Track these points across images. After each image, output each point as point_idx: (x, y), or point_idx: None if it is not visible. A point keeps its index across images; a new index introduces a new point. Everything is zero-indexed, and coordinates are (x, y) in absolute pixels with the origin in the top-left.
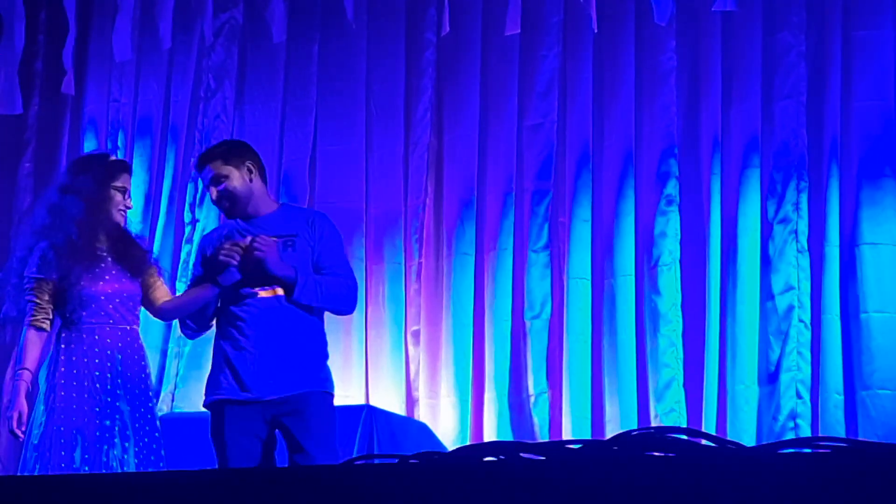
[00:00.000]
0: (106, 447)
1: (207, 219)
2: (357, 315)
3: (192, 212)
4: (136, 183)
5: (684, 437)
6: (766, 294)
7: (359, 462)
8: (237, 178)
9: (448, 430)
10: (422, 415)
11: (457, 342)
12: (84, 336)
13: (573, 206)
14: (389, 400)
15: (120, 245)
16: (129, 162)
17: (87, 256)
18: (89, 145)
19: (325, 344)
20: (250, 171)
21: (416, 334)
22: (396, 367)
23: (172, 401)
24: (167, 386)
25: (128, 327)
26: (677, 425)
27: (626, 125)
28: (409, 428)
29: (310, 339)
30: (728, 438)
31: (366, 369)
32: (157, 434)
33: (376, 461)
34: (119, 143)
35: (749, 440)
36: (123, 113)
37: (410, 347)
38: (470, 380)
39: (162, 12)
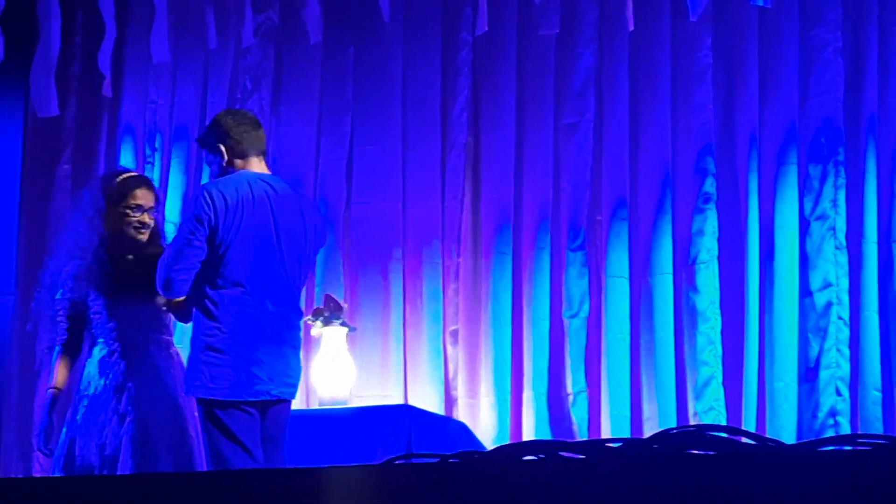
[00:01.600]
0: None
1: None
2: (395, 315)
3: None
4: (175, 184)
5: (724, 434)
6: (805, 291)
7: (399, 461)
8: None
9: (487, 430)
10: (460, 414)
11: (495, 341)
12: (115, 354)
13: (610, 205)
14: (428, 399)
15: (147, 260)
16: (145, 176)
17: (112, 275)
18: (127, 147)
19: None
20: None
21: (455, 334)
22: (435, 367)
23: None
24: None
25: (162, 339)
26: (717, 423)
27: (663, 123)
28: (448, 427)
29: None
30: (768, 436)
31: (404, 369)
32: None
33: (416, 461)
34: (156, 146)
35: (789, 438)
36: (160, 115)
37: (449, 347)
38: (508, 379)
39: (202, 14)
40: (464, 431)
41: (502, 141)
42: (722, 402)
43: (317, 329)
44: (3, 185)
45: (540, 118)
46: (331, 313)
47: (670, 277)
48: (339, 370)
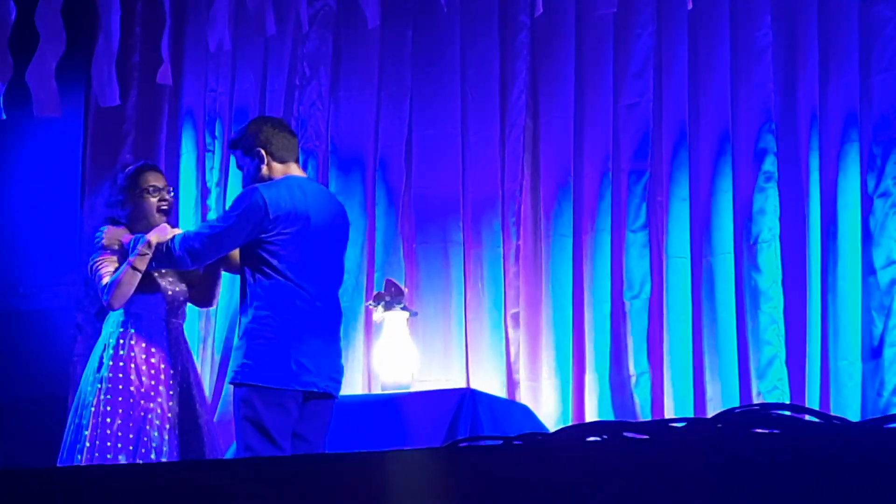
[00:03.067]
0: (145, 439)
1: None
2: (456, 299)
3: None
4: (235, 172)
5: (788, 413)
6: (868, 269)
7: (463, 444)
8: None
9: (550, 412)
10: (523, 397)
11: (556, 324)
12: (141, 333)
13: (671, 185)
14: (490, 383)
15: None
16: (151, 163)
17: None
18: (187, 136)
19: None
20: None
21: (516, 317)
22: (497, 351)
23: None
24: None
25: (178, 323)
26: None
27: (723, 102)
28: (511, 410)
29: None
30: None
31: (466, 353)
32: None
33: (480, 443)
34: (216, 133)
35: (853, 416)
36: (220, 103)
37: (510, 330)
38: (570, 361)
39: (260, 1)
40: (527, 414)
41: (561, 123)
42: (785, 381)
43: (378, 314)
44: (66, 175)
45: (599, 99)
46: (392, 298)
47: (731, 257)
48: (401, 355)
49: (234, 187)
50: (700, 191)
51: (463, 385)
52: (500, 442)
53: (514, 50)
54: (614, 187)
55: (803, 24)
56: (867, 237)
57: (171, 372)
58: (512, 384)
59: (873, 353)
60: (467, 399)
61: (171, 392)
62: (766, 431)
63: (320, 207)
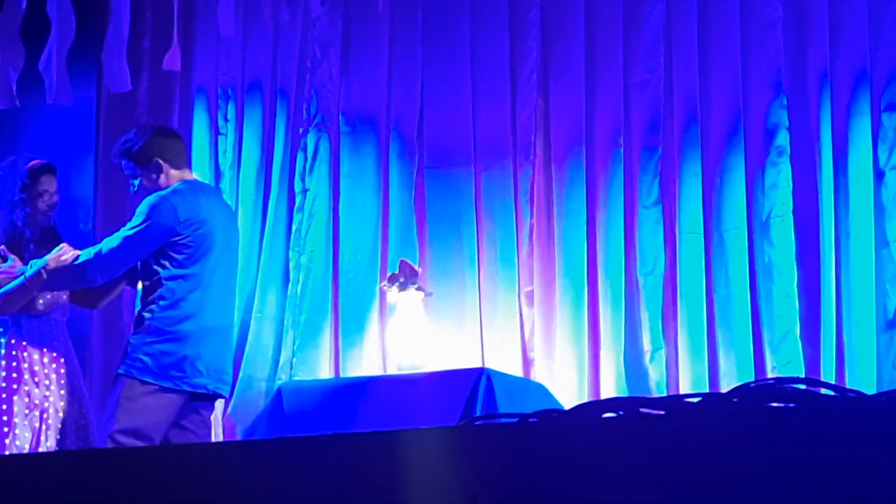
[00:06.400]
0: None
1: (318, 188)
2: (470, 279)
3: (303, 181)
4: (248, 155)
5: (804, 386)
6: (881, 241)
7: (479, 422)
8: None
9: (565, 390)
10: (538, 375)
11: (571, 301)
12: (21, 332)
13: (683, 161)
14: (505, 362)
15: (46, 238)
16: (51, 163)
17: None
18: (199, 119)
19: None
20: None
21: (530, 295)
22: (511, 329)
23: (291, 369)
24: (284, 355)
25: (61, 321)
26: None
27: (734, 77)
28: (527, 388)
29: None
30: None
31: (480, 332)
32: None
33: (497, 421)
34: (228, 116)
35: (868, 389)
36: (232, 86)
37: (524, 309)
38: (585, 338)
39: None
40: (542, 392)
41: (572, 101)
42: (800, 355)
43: (393, 295)
44: (79, 161)
45: (609, 77)
46: (406, 278)
47: (745, 232)
48: (415, 335)
49: (247, 171)
50: (712, 166)
51: (478, 364)
52: (516, 420)
53: (525, 28)
54: (626, 164)
55: None
56: (880, 210)
57: (55, 366)
58: (527, 362)
59: (888, 325)
60: (483, 378)
61: (52, 387)
62: (782, 405)
63: (217, 211)
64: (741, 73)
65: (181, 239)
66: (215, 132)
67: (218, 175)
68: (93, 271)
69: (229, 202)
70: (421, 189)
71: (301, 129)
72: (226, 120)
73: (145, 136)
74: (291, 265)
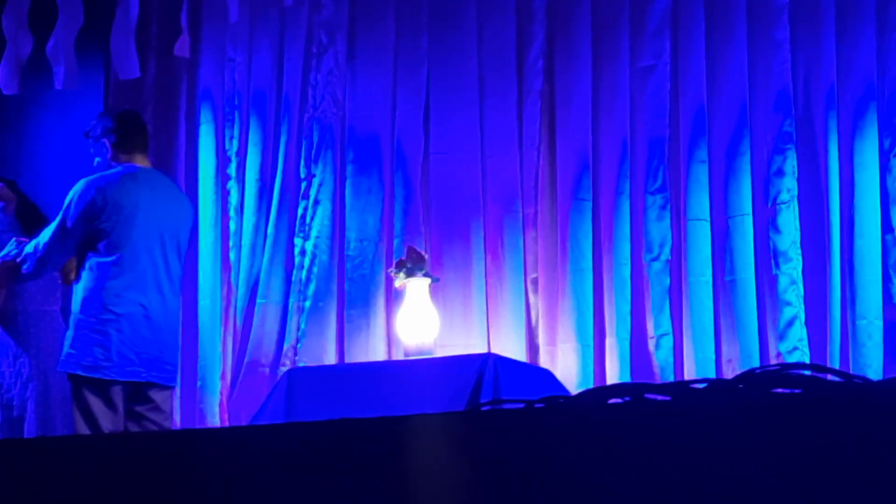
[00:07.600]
0: None
1: (324, 173)
2: (477, 264)
3: (308, 167)
4: (254, 141)
5: (809, 373)
6: (887, 227)
7: (486, 408)
8: None
9: (571, 376)
10: (544, 361)
11: (577, 288)
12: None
13: (689, 147)
14: (511, 348)
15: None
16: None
17: None
18: (206, 105)
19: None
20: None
21: (535, 281)
22: (517, 315)
23: (295, 355)
24: (289, 340)
25: (51, 310)
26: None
27: (740, 63)
28: (532, 374)
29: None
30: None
31: (487, 318)
32: None
33: (503, 406)
34: (235, 103)
35: (874, 375)
36: (238, 72)
37: (531, 295)
38: (591, 325)
39: None
40: (548, 378)
41: (578, 86)
42: (805, 341)
43: (400, 280)
44: (86, 148)
45: (615, 62)
46: (413, 265)
47: (750, 218)
48: (423, 321)
49: (254, 156)
50: (718, 152)
51: (484, 350)
52: (523, 405)
53: (531, 13)
54: (632, 150)
55: None
56: (885, 196)
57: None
58: (533, 348)
59: (893, 311)
60: (489, 364)
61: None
62: (788, 391)
63: (154, 197)
64: (748, 59)
65: (101, 224)
66: (222, 118)
67: (225, 161)
68: (32, 267)
69: (233, 188)
70: (427, 176)
71: (307, 115)
72: (233, 107)
73: (105, 118)
74: (297, 251)
